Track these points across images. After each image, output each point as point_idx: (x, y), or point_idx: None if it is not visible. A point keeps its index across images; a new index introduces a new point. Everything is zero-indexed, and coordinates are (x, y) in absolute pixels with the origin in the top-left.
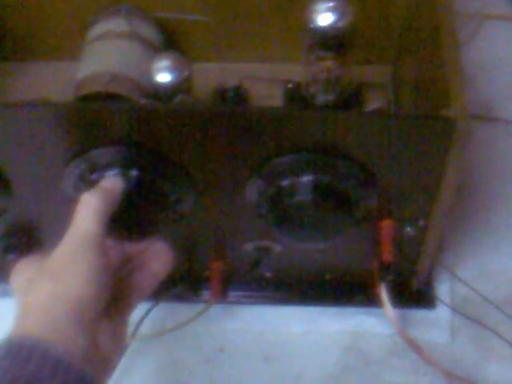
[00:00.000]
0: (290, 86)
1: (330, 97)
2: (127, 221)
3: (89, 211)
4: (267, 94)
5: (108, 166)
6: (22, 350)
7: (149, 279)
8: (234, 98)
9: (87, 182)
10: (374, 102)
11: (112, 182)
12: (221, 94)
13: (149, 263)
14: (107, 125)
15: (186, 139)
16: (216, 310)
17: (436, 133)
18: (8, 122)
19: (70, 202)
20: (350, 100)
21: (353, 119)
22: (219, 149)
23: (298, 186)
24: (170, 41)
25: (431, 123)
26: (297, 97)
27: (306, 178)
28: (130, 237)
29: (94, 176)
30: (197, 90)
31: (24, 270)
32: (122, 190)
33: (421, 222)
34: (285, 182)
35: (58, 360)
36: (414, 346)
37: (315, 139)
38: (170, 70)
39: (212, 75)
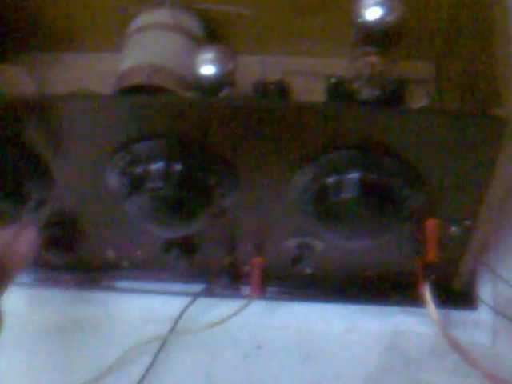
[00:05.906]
0: (332, 80)
1: (374, 92)
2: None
3: None
4: (309, 88)
5: (152, 159)
6: None
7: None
8: (275, 92)
9: (131, 175)
10: (418, 99)
11: None
12: (262, 88)
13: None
14: (151, 117)
15: (230, 133)
16: (254, 306)
17: (487, 132)
18: (50, 113)
19: (112, 196)
20: (392, 96)
21: (401, 115)
22: (264, 144)
23: (344, 184)
24: (212, 33)
25: (483, 122)
26: (339, 92)
27: (353, 175)
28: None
29: (138, 169)
30: (238, 83)
31: None
32: None
33: (467, 222)
34: (330, 179)
35: None
36: (456, 346)
37: (361, 136)
38: (215, 62)
39: (253, 68)
